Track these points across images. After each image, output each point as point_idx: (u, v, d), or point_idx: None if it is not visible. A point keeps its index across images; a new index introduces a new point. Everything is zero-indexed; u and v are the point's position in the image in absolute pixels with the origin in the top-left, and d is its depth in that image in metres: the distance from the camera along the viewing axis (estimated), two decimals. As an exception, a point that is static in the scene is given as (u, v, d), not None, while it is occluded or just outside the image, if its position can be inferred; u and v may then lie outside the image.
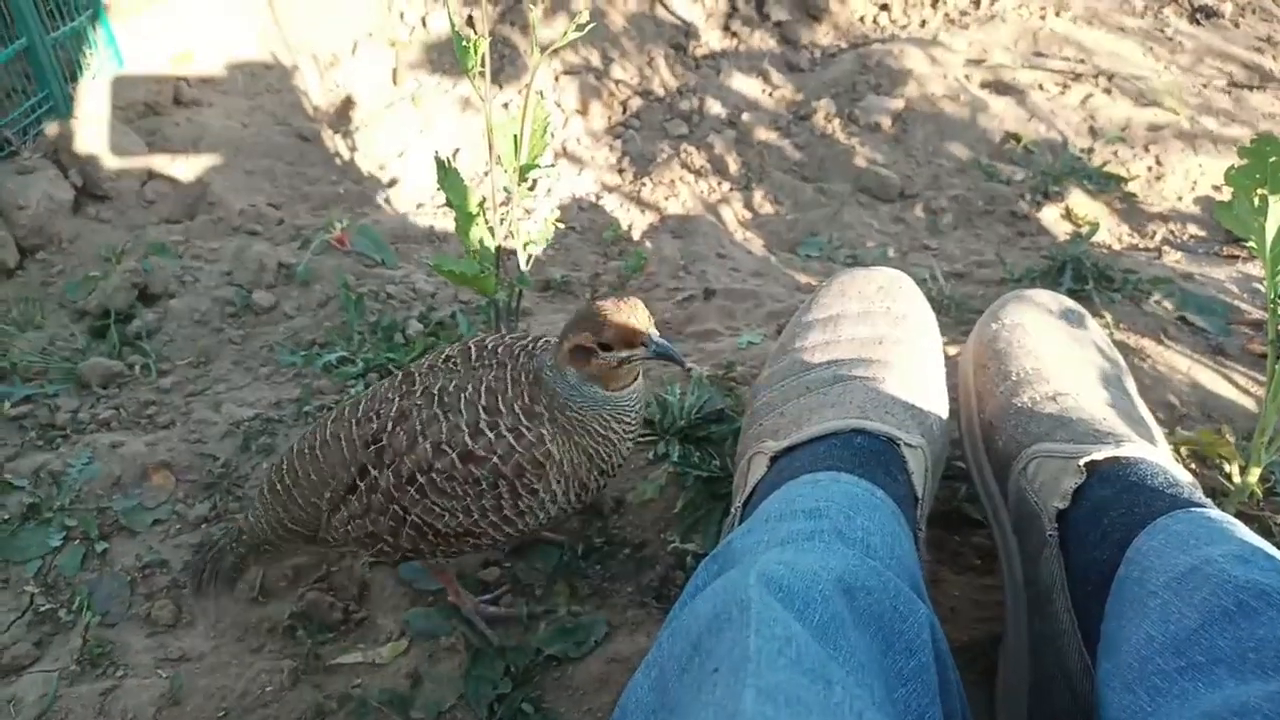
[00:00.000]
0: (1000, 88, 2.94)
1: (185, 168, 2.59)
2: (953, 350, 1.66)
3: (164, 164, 2.58)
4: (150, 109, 2.75)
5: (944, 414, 1.24)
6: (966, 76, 2.96)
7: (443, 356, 1.19)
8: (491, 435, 1.09)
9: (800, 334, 1.35)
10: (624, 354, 1.08)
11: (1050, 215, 2.46)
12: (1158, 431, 1.20)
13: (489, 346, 1.18)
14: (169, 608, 1.38)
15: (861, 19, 3.35)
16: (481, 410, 1.10)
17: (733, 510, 1.18)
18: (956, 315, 1.80)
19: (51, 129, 2.53)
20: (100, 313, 2.02)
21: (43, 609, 1.40)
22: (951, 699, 0.86)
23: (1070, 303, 1.38)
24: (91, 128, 2.54)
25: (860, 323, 1.31)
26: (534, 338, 1.19)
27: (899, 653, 0.80)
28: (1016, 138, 2.76)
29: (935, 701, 0.80)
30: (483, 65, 1.32)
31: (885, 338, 1.28)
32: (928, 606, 0.88)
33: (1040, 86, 2.95)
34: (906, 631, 0.82)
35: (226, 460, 1.60)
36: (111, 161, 2.51)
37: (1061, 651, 0.98)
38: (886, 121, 2.77)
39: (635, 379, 1.16)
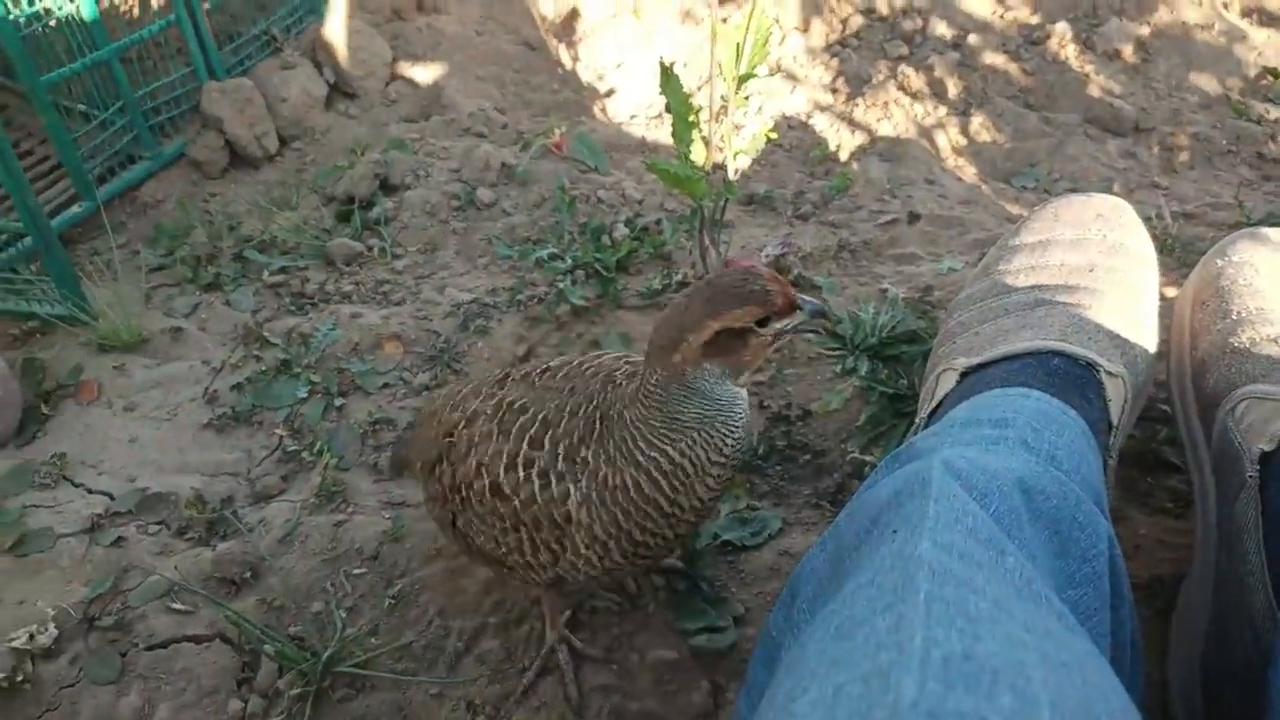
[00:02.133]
0: (1264, 17, 2.68)
1: (423, 71, 2.77)
2: (1171, 292, 1.58)
3: (405, 67, 2.77)
4: (396, 14, 2.94)
5: (1152, 349, 1.21)
6: (1225, 4, 2.72)
7: (540, 369, 1.08)
8: (521, 474, 0.97)
9: (1005, 257, 1.34)
10: (784, 323, 0.90)
11: (1304, 160, 2.25)
12: (1391, 387, 1.13)
13: (578, 366, 1.06)
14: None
15: (1112, -62, 3.11)
16: (525, 442, 0.98)
17: (917, 420, 1.20)
18: (1180, 257, 1.71)
19: (310, 29, 2.76)
20: (346, 199, 2.23)
21: (290, 449, 1.60)
22: (1122, 611, 0.87)
23: None
24: (345, 30, 2.76)
25: (1072, 249, 1.28)
26: (633, 361, 1.04)
27: (1074, 558, 0.82)
28: (1275, 73, 2.51)
29: (1105, 608, 0.82)
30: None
31: (1097, 265, 1.24)
32: (1108, 522, 0.89)
33: (1314, 17, 2.67)
34: (1083, 540, 0.83)
35: (447, 337, 1.75)
36: (360, 62, 2.72)
37: (1247, 591, 0.96)
38: (1128, 49, 2.59)
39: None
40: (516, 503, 0.98)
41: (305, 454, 1.59)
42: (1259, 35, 2.60)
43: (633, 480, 0.94)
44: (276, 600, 1.35)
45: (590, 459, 0.96)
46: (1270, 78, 2.51)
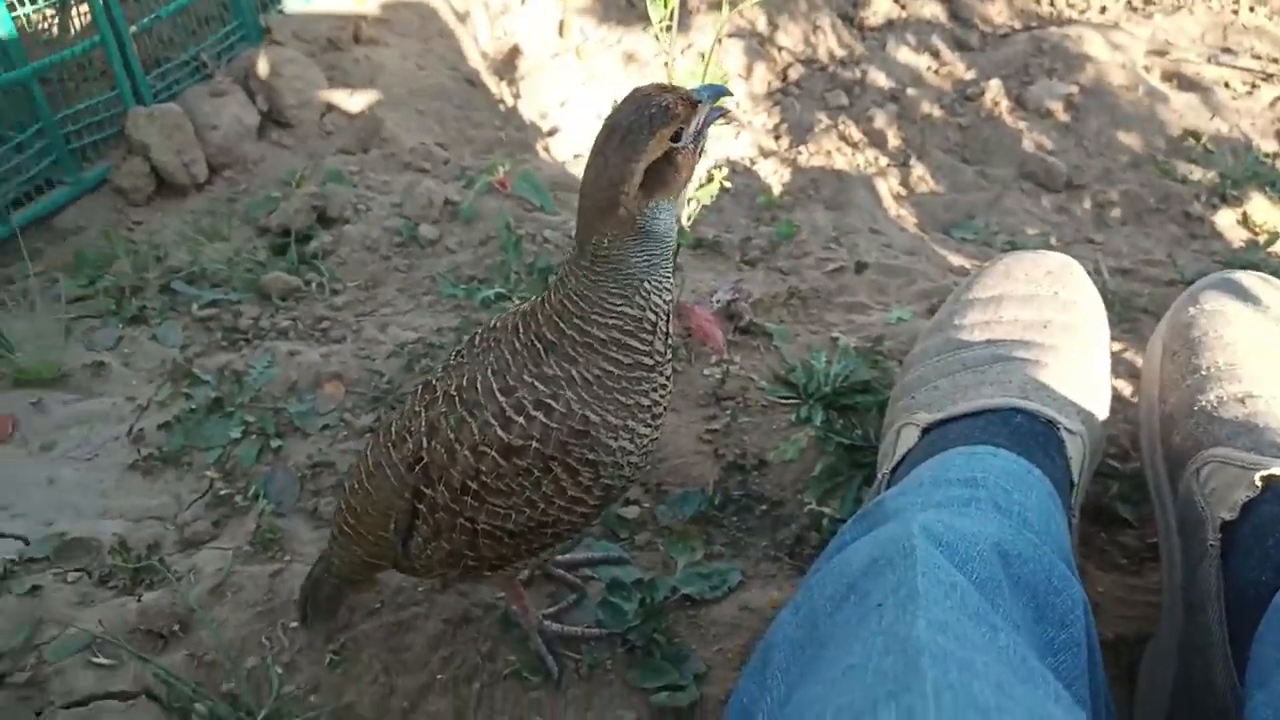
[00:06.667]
0: (1183, 82, 2.81)
1: (361, 103, 2.72)
2: (1116, 346, 1.62)
3: (342, 98, 2.71)
4: (332, 44, 2.88)
5: (1105, 405, 1.22)
6: (1146, 68, 2.84)
7: (454, 353, 1.08)
8: (521, 419, 0.95)
9: (959, 311, 1.35)
10: (694, 122, 0.90)
11: (1226, 219, 2.35)
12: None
13: (491, 325, 1.05)
14: (333, 505, 1.48)
15: (1038, 0, 3.23)
16: (499, 395, 0.96)
17: (879, 476, 1.20)
18: (1120, 312, 1.76)
19: (243, 56, 2.68)
20: (281, 231, 2.15)
21: (222, 493, 1.52)
22: (1097, 679, 0.86)
23: None
24: (279, 58, 2.69)
25: (1025, 305, 1.29)
26: (535, 300, 1.02)
27: (1051, 623, 0.81)
28: (1196, 135, 2.63)
29: (1084, 676, 0.81)
30: (670, 18, 1.36)
31: (1051, 322, 1.26)
32: (1081, 585, 0.89)
33: (1226, 84, 2.81)
34: (1059, 605, 0.83)
35: (391, 377, 1.70)
36: (295, 91, 2.65)
37: (1209, 663, 0.95)
38: (1058, 107, 2.68)
39: None
40: (534, 444, 0.96)
41: (238, 498, 1.51)
42: (1179, 99, 2.73)
43: (608, 361, 0.95)
44: (208, 655, 1.27)
45: (557, 370, 0.96)
46: (1192, 140, 2.63)
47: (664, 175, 0.89)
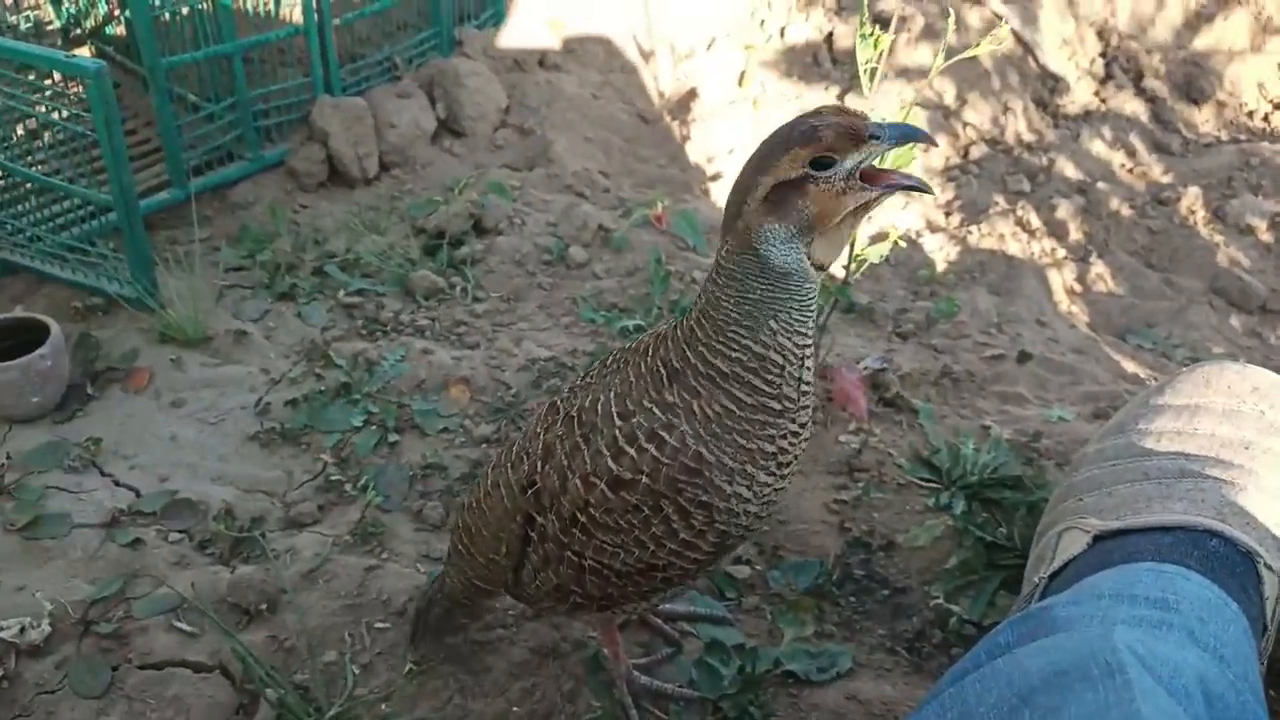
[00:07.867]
0: None
1: (534, 123, 2.74)
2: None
3: (517, 116, 2.74)
4: (517, 65, 2.93)
5: (1307, 547, 1.06)
6: (1368, 198, 2.61)
7: (584, 375, 1.02)
8: (633, 451, 0.88)
9: (1146, 416, 1.21)
10: (853, 158, 0.78)
11: None
12: None
13: (625, 348, 1.00)
14: (439, 510, 1.44)
15: (1250, 114, 3.03)
16: (616, 420, 0.90)
17: (1036, 580, 1.07)
18: (1317, 450, 1.56)
19: (432, 64, 2.75)
20: (436, 233, 2.17)
21: (333, 478, 1.50)
22: None
23: None
24: (465, 70, 2.74)
25: (1224, 421, 1.15)
26: (671, 324, 0.94)
27: (1245, 787, 0.68)
28: None
29: None
30: (877, 61, 1.28)
31: (1253, 444, 1.11)
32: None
33: None
34: (1257, 767, 0.69)
35: (518, 391, 1.65)
36: (475, 104, 2.69)
37: None
38: (1261, 225, 2.48)
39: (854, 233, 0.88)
40: (644, 480, 0.89)
41: (348, 486, 1.49)
42: (1404, 234, 2.48)
43: (729, 399, 0.87)
44: (288, 640, 1.23)
45: (677, 399, 0.88)
46: None
47: (787, 200, 0.80)
